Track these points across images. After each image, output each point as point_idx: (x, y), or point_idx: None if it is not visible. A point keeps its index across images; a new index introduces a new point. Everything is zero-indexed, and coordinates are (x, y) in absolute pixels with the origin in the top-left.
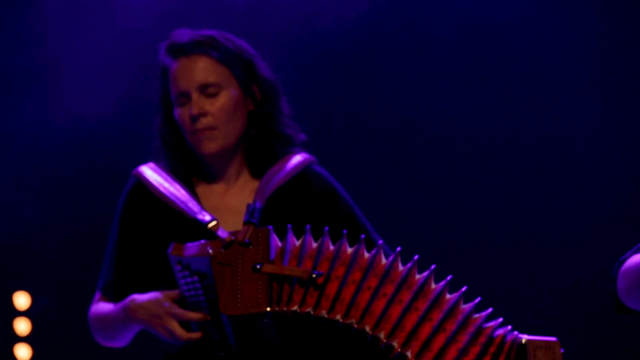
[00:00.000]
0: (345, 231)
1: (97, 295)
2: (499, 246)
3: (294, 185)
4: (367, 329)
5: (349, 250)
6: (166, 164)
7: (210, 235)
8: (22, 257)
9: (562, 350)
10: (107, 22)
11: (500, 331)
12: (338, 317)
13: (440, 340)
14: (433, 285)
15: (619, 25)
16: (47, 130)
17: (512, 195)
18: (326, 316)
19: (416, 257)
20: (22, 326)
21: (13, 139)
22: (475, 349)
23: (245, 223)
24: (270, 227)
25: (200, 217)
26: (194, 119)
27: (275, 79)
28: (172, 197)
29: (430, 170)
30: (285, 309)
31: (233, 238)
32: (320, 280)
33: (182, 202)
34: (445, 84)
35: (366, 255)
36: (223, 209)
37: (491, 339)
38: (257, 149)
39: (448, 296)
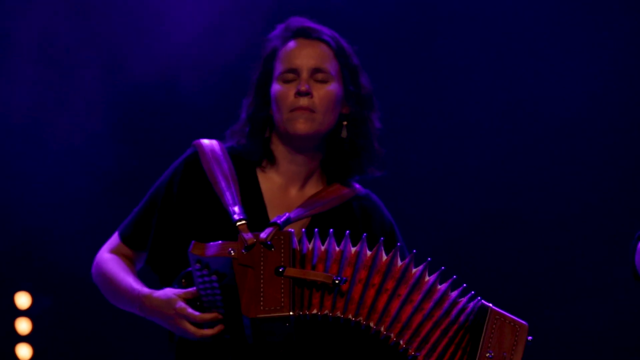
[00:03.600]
0: (365, 235)
1: (116, 240)
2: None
3: (343, 211)
4: (402, 342)
5: (368, 253)
6: (237, 144)
7: (235, 231)
8: (23, 258)
9: (529, 338)
10: None
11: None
12: (371, 324)
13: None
14: (451, 294)
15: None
16: (45, 132)
17: (513, 193)
18: (352, 319)
19: (442, 268)
20: (23, 326)
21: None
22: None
23: (270, 224)
24: (292, 231)
25: (232, 209)
26: (301, 94)
27: (372, 93)
28: (218, 179)
29: (429, 169)
30: (307, 312)
31: (255, 240)
32: (344, 287)
33: (223, 188)
34: (444, 83)
35: (399, 263)
36: (278, 204)
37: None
38: (340, 153)
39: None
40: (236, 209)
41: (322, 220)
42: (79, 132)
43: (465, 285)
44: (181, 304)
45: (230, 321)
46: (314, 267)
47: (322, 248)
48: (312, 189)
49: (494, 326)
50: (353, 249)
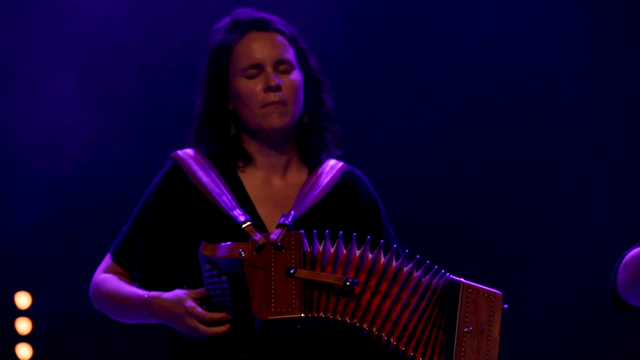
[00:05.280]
0: (368, 237)
1: (109, 261)
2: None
3: (334, 194)
4: (413, 353)
5: (382, 260)
6: (207, 147)
7: (241, 233)
8: (23, 257)
9: (505, 306)
10: None
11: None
12: (374, 329)
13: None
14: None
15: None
16: (46, 132)
17: (515, 194)
18: (358, 325)
19: (428, 262)
20: (23, 326)
21: (15, 137)
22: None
23: (279, 226)
24: (302, 232)
25: (234, 213)
26: (272, 89)
27: (322, 72)
28: (209, 187)
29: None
30: (317, 315)
31: (266, 241)
32: (356, 290)
33: (217, 194)
34: (442, 83)
35: (394, 264)
36: (265, 198)
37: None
38: (309, 136)
39: None
40: (238, 211)
41: (312, 211)
42: (81, 133)
43: (435, 265)
44: (191, 303)
45: (238, 321)
46: (323, 269)
47: (331, 250)
48: (294, 174)
49: (468, 300)
50: (358, 252)
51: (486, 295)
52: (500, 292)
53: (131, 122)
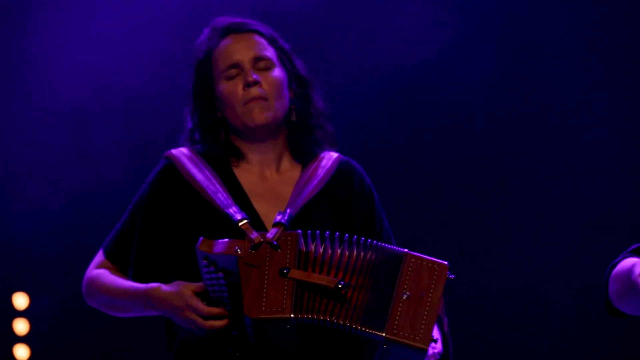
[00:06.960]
0: (355, 237)
1: (101, 257)
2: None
3: (329, 186)
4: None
5: (361, 256)
6: (202, 147)
7: (238, 231)
8: (21, 258)
9: (451, 277)
10: None
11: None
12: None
13: None
14: None
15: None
16: (43, 131)
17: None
18: (347, 325)
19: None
20: (21, 326)
21: (14, 138)
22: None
23: (275, 224)
24: (299, 232)
25: (230, 211)
26: (249, 85)
27: (310, 74)
28: (204, 185)
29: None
30: (308, 316)
31: (262, 240)
32: (344, 291)
33: (213, 192)
34: (445, 86)
35: (367, 258)
36: (261, 192)
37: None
38: (299, 134)
39: None
40: (233, 209)
41: (308, 205)
42: (79, 134)
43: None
44: (191, 297)
45: (236, 317)
46: (314, 270)
47: (321, 250)
48: (287, 168)
49: (409, 269)
50: (347, 253)
51: (430, 264)
52: (446, 262)
53: (130, 122)
